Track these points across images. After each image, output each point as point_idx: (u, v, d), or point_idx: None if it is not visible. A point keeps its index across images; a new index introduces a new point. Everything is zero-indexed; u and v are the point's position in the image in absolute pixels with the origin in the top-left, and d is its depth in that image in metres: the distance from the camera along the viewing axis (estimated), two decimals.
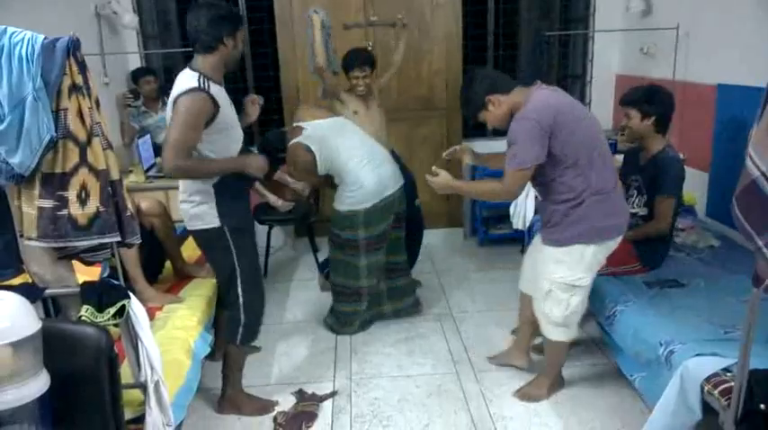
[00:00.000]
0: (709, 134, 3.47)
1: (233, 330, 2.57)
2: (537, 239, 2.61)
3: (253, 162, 2.42)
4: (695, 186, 3.45)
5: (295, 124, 3.26)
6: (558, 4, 4.90)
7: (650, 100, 2.77)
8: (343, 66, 3.49)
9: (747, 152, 1.52)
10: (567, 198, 2.33)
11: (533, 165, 2.24)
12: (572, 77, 5.13)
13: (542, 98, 2.28)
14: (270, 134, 3.45)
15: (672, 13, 3.84)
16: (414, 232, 3.68)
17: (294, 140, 3.17)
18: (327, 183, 3.33)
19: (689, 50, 3.70)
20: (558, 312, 2.48)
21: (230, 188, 2.39)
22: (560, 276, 2.42)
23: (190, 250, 3.11)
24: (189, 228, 2.47)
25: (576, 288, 2.44)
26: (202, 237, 2.46)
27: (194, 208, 2.39)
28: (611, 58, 4.77)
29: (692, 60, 3.69)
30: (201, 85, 2.20)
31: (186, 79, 2.23)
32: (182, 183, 2.43)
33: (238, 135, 2.45)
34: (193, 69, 2.26)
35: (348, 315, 3.37)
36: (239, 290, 2.50)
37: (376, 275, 3.32)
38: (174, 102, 2.22)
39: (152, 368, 1.86)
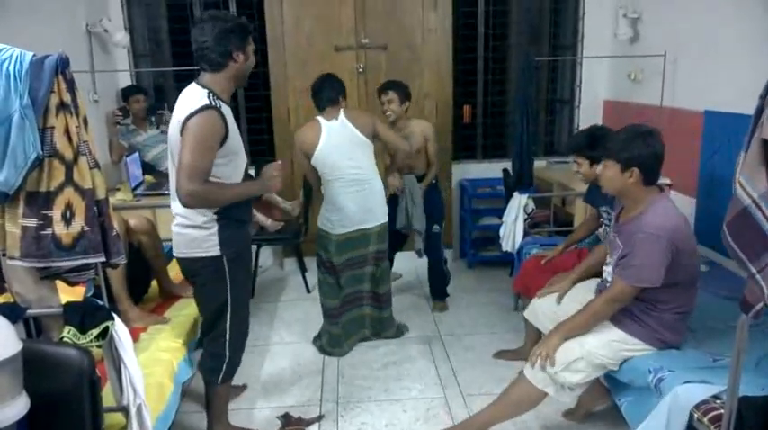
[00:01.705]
0: (696, 160, 3.50)
1: (215, 368, 2.38)
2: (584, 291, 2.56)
3: (268, 183, 2.29)
4: (682, 212, 3.47)
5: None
6: (548, 30, 4.97)
7: (592, 145, 2.69)
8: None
9: (737, 180, 1.53)
10: (653, 308, 2.27)
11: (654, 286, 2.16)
12: (560, 102, 5.19)
13: (667, 213, 2.21)
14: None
15: (659, 40, 3.90)
16: (433, 259, 3.87)
17: (320, 117, 3.11)
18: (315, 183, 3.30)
19: (676, 77, 3.75)
20: (574, 380, 2.31)
21: (234, 214, 2.20)
22: (603, 355, 2.29)
23: (177, 269, 3.06)
24: (183, 255, 2.25)
25: (604, 370, 2.33)
26: (197, 265, 2.25)
27: (194, 232, 2.18)
28: (599, 83, 4.83)
29: (679, 87, 3.74)
30: (213, 103, 2.04)
31: (196, 97, 2.05)
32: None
33: (243, 162, 2.26)
34: (202, 85, 2.10)
35: (338, 337, 3.36)
36: (227, 324, 2.33)
37: (356, 286, 3.35)
38: (185, 122, 2.02)
39: (135, 391, 1.83)
